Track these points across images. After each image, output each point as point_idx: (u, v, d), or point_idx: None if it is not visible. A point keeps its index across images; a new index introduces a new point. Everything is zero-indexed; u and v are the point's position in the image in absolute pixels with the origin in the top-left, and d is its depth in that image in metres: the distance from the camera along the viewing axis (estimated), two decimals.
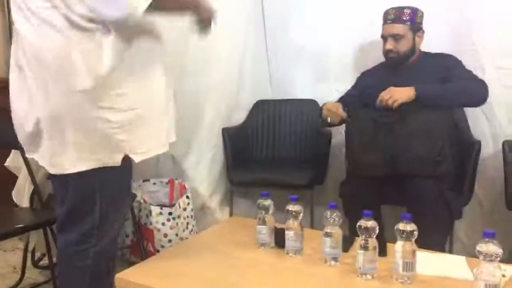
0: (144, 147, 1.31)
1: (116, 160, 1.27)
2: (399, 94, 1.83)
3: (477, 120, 2.21)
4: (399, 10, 2.02)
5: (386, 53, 2.07)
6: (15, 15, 1.26)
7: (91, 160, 1.25)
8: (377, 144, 1.88)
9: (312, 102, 2.64)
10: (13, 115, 1.33)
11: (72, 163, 1.24)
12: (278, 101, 2.76)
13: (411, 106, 1.86)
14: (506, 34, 2.15)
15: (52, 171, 1.28)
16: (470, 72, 2.00)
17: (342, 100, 2.22)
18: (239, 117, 2.76)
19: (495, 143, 2.15)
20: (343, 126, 2.11)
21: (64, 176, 1.27)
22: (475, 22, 2.19)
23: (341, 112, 2.01)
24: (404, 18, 2.01)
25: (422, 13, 2.07)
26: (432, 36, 2.15)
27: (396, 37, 2.02)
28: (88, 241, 1.32)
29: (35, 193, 2.03)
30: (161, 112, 1.36)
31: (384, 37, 2.06)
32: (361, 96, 2.16)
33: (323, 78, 2.63)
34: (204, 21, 1.39)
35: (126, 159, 1.29)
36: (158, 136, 1.36)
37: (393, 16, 2.03)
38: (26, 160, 1.89)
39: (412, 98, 1.83)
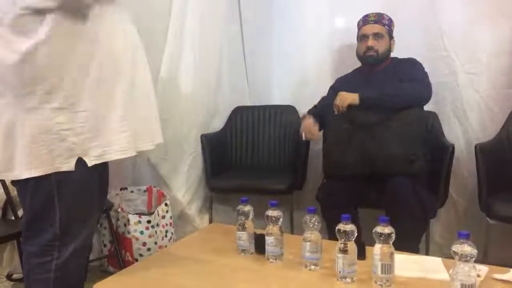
0: (96, 150, 1.24)
1: (70, 164, 1.21)
2: (344, 98, 1.98)
3: (450, 124, 2.27)
4: (379, 14, 2.14)
5: (366, 50, 2.12)
6: None
7: (43, 165, 1.19)
8: (352, 145, 1.95)
9: (291, 108, 2.66)
10: None
11: (23, 168, 1.19)
12: (257, 107, 2.77)
13: (384, 111, 1.93)
14: (476, 41, 2.22)
15: (2, 176, 1.24)
16: (422, 74, 2.06)
17: (315, 109, 2.26)
18: (217, 124, 2.75)
19: (468, 146, 2.21)
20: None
21: (22, 183, 1.21)
22: (447, 29, 2.26)
23: (315, 132, 2.09)
24: (384, 22, 2.13)
25: (394, 24, 2.17)
26: (406, 43, 2.21)
27: (377, 36, 2.10)
28: (50, 253, 1.25)
29: (8, 203, 1.98)
30: (119, 115, 1.28)
31: (365, 36, 2.12)
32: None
33: (302, 83, 2.65)
34: None
35: (83, 165, 1.23)
36: (117, 140, 1.27)
37: (373, 18, 2.14)
38: None
39: (356, 101, 1.96)
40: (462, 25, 2.23)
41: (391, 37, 2.15)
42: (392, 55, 2.19)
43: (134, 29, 1.37)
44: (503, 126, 2.15)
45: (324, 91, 2.33)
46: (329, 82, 2.41)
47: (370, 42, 2.10)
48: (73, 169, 1.21)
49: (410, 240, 1.80)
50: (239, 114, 2.76)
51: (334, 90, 2.21)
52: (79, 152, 1.22)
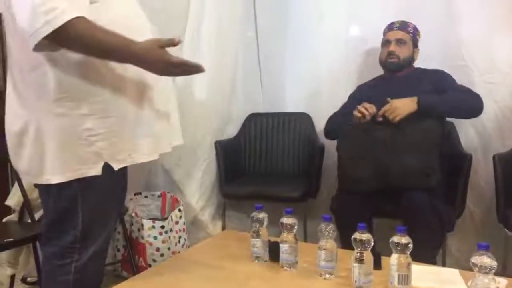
0: (123, 154, 1.26)
1: (97, 169, 1.23)
2: (400, 110, 1.87)
3: (467, 133, 2.25)
4: (405, 22, 2.15)
5: (387, 55, 2.12)
6: (7, 29, 1.25)
7: (71, 170, 1.21)
8: (367, 159, 1.90)
9: (305, 116, 2.65)
10: (5, 125, 1.31)
11: (52, 173, 1.21)
12: (271, 114, 2.77)
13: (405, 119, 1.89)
14: (494, 51, 2.19)
15: (31, 180, 1.27)
16: (462, 85, 2.05)
17: (341, 112, 2.23)
18: (231, 130, 2.76)
19: (486, 157, 2.18)
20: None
21: (47, 186, 1.23)
22: (465, 38, 2.24)
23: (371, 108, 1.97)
24: (409, 29, 2.14)
25: (420, 34, 2.17)
26: (423, 52, 2.19)
27: (400, 42, 2.11)
28: (70, 256, 1.27)
29: (25, 206, 2.00)
30: (143, 119, 1.31)
31: (388, 42, 2.13)
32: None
33: (316, 91, 2.65)
34: (163, 73, 1.23)
35: (108, 169, 1.24)
36: (141, 144, 1.30)
37: (398, 25, 2.15)
38: (16, 172, 1.87)
39: (413, 110, 1.88)
40: (480, 34, 2.21)
41: (415, 45, 2.15)
42: (415, 64, 2.17)
43: (156, 33, 1.38)
44: None
45: (338, 99, 2.32)
46: (344, 90, 2.40)
47: (392, 47, 2.11)
48: (100, 174, 1.23)
49: (427, 253, 1.76)
50: (253, 121, 2.77)
51: (355, 98, 2.20)
52: (106, 157, 1.24)
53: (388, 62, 2.12)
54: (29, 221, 2.03)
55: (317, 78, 2.64)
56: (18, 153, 1.26)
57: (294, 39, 2.69)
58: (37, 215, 2.02)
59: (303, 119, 2.66)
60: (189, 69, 1.22)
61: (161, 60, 1.16)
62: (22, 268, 2.13)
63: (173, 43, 1.17)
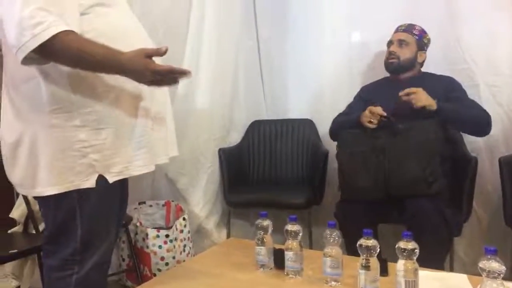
0: (118, 167, 1.25)
1: (91, 181, 1.22)
2: (424, 97, 1.86)
3: (472, 136, 2.22)
4: (412, 24, 2.15)
5: (387, 57, 2.13)
6: (3, 41, 1.23)
7: (64, 182, 1.20)
8: (368, 167, 1.89)
9: (308, 122, 2.65)
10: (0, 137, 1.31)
11: (45, 185, 1.20)
12: (274, 121, 2.77)
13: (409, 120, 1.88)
14: (497, 53, 2.19)
15: (25, 192, 1.27)
16: (473, 100, 2.03)
17: (345, 112, 2.24)
18: (235, 138, 2.76)
19: (491, 160, 2.17)
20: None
21: (45, 198, 1.22)
22: (467, 41, 2.24)
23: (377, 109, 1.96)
24: (414, 32, 2.12)
25: (430, 38, 2.15)
26: (427, 56, 2.18)
27: (402, 43, 2.09)
28: (70, 268, 1.26)
29: (29, 218, 2.00)
30: (139, 131, 1.29)
31: (391, 42, 2.13)
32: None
33: (319, 97, 2.65)
34: (149, 83, 1.20)
35: (104, 181, 1.23)
36: (137, 155, 1.29)
37: (404, 27, 2.14)
38: None
39: (433, 107, 1.87)
40: (482, 37, 2.21)
41: (420, 48, 2.12)
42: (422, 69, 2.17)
43: (151, 44, 1.36)
44: None
45: (341, 104, 2.32)
46: (347, 96, 2.40)
47: (392, 47, 2.11)
48: (94, 186, 1.22)
49: (434, 259, 1.74)
50: (257, 128, 2.77)
51: (361, 98, 2.20)
52: (100, 169, 1.23)
53: (388, 62, 2.12)
54: (34, 232, 2.02)
55: (320, 84, 2.65)
56: (12, 164, 1.25)
57: (296, 46, 2.70)
58: (41, 227, 2.02)
59: (307, 125, 2.65)
60: (176, 76, 1.20)
61: (148, 69, 1.15)
62: (27, 280, 2.13)
63: (159, 52, 1.16)
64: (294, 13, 2.68)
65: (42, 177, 1.20)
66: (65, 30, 1.10)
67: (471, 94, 2.16)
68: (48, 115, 1.19)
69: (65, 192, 1.20)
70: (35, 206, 1.99)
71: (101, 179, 1.23)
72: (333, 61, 2.59)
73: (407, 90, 1.89)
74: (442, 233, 1.81)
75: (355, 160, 1.92)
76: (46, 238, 1.30)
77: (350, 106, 2.27)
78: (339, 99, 2.44)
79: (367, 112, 1.98)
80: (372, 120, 1.95)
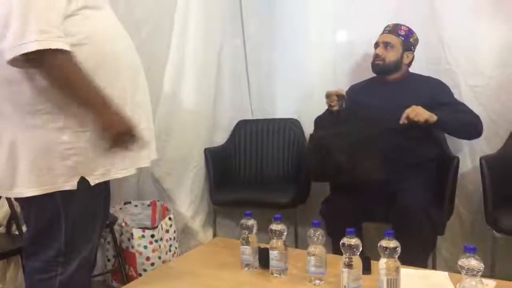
0: (100, 169, 1.25)
1: (72, 183, 1.21)
2: (420, 112, 1.88)
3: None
4: (397, 24, 2.14)
5: (373, 59, 2.14)
6: None
7: (44, 184, 1.20)
8: (333, 149, 1.92)
9: (294, 121, 2.66)
10: None
11: (25, 186, 1.20)
12: (260, 121, 2.78)
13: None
14: (479, 54, 2.22)
15: (2, 193, 1.25)
16: (464, 104, 2.07)
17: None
18: (221, 137, 2.76)
19: (473, 159, 2.20)
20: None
21: (27, 200, 1.22)
22: (448, 42, 2.27)
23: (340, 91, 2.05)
24: (400, 32, 2.12)
25: (418, 38, 2.16)
26: (414, 55, 2.20)
27: (387, 45, 2.10)
28: (54, 269, 1.26)
29: (13, 219, 1.98)
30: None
31: (377, 44, 2.14)
32: (356, 109, 2.20)
33: (305, 96, 2.66)
34: (108, 137, 1.20)
35: (85, 183, 1.24)
36: (119, 158, 1.28)
37: (390, 28, 2.14)
38: None
39: (433, 120, 1.88)
40: (464, 37, 2.24)
41: (407, 49, 2.12)
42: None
43: (133, 47, 1.38)
44: (507, 139, 2.14)
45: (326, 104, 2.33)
46: None
47: (378, 50, 2.12)
48: (75, 188, 1.22)
49: (419, 257, 1.77)
50: (243, 128, 2.77)
51: (349, 97, 2.22)
52: (82, 171, 1.22)
53: (374, 64, 2.14)
54: (17, 233, 2.00)
55: (306, 83, 2.65)
56: None
57: (282, 45, 2.70)
58: (24, 228, 1.99)
59: (293, 125, 2.67)
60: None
61: (122, 118, 1.20)
62: (10, 282, 2.10)
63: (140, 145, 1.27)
64: (281, 11, 2.69)
65: (22, 178, 1.20)
66: (68, 51, 1.13)
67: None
68: (31, 116, 1.18)
69: (48, 194, 1.20)
70: (18, 207, 1.96)
71: (82, 181, 1.23)
72: (319, 60, 2.60)
73: (404, 116, 1.89)
74: (427, 231, 1.84)
75: (325, 141, 1.97)
76: (28, 240, 1.29)
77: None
78: (324, 99, 2.45)
79: (325, 97, 2.05)
80: (331, 104, 2.02)
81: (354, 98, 2.21)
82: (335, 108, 2.05)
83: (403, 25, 2.14)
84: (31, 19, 1.09)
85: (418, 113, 1.87)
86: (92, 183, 1.24)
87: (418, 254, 1.78)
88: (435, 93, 2.06)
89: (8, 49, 1.10)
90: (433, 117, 1.88)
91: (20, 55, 1.08)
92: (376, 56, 2.12)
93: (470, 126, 2.00)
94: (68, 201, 1.23)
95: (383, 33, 2.16)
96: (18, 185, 1.20)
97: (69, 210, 1.24)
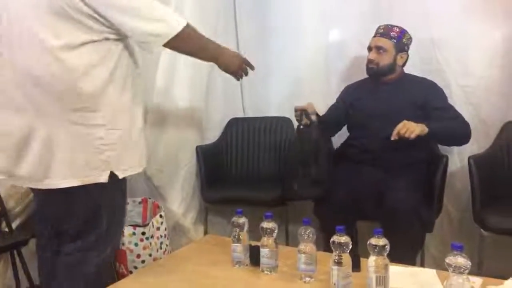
0: (125, 165, 1.40)
1: (105, 176, 1.35)
2: (414, 127, 1.85)
3: None
4: (389, 26, 2.13)
5: (367, 63, 2.14)
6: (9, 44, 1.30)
7: (80, 176, 1.31)
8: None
9: (286, 120, 2.67)
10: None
11: (59, 178, 1.31)
12: (252, 119, 2.78)
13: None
14: (469, 54, 2.25)
15: (31, 185, 1.35)
16: (455, 110, 2.07)
17: (327, 113, 2.28)
18: (212, 135, 2.76)
19: (462, 159, 2.23)
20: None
21: (66, 192, 1.32)
22: (439, 42, 2.29)
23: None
24: (392, 35, 2.11)
25: (411, 37, 2.15)
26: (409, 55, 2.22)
27: (380, 50, 2.10)
28: (92, 253, 1.42)
29: (2, 216, 1.96)
30: (138, 134, 1.46)
31: (369, 48, 2.14)
32: (351, 111, 2.24)
33: (297, 95, 2.66)
34: (230, 71, 1.60)
35: (115, 177, 1.37)
36: (136, 156, 1.45)
37: (382, 30, 2.13)
38: None
39: (425, 132, 1.87)
40: (455, 38, 2.26)
41: (400, 50, 2.12)
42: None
43: None
44: (496, 138, 2.18)
45: (319, 103, 2.33)
46: (324, 95, 2.43)
47: (371, 55, 2.12)
48: (107, 181, 1.35)
49: (408, 255, 1.80)
50: (235, 126, 2.77)
51: (342, 99, 2.25)
52: (112, 166, 1.36)
53: (368, 68, 2.15)
54: (7, 230, 1.99)
55: (298, 82, 2.66)
56: (19, 157, 1.31)
57: (274, 44, 2.70)
58: (14, 224, 1.98)
59: (284, 123, 2.67)
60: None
61: (239, 57, 1.65)
62: (0, 279, 2.09)
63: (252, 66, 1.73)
64: (274, 11, 2.69)
65: (58, 170, 1.31)
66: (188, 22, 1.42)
67: None
68: (73, 113, 1.30)
69: (83, 186, 1.32)
70: (8, 204, 1.96)
71: (112, 175, 1.36)
72: (312, 59, 2.60)
73: (395, 133, 1.86)
74: (416, 229, 1.86)
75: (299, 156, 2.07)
76: (69, 229, 1.41)
77: (329, 108, 2.32)
78: (317, 98, 2.46)
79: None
80: (297, 119, 2.05)
81: (347, 100, 2.23)
82: (303, 122, 2.02)
83: (395, 26, 2.13)
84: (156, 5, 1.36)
85: (409, 129, 1.84)
86: (120, 177, 1.38)
87: (406, 252, 1.80)
88: (429, 97, 2.08)
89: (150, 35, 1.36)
90: (424, 130, 1.86)
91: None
92: (370, 61, 2.12)
93: (460, 136, 2.02)
94: (101, 192, 1.37)
95: (375, 35, 2.15)
96: (52, 177, 1.31)
97: (106, 201, 1.40)
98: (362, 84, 2.29)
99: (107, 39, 1.34)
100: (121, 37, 1.38)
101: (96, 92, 1.31)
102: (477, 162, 1.99)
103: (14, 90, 1.31)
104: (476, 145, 2.21)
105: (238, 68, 1.63)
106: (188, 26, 1.40)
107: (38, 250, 1.56)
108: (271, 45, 2.71)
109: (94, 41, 1.31)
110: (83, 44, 1.30)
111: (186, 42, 1.43)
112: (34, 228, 1.61)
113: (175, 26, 1.37)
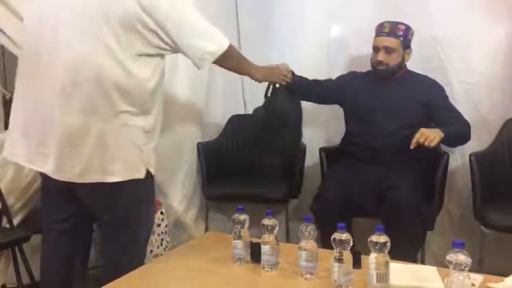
0: (154, 164, 1.54)
1: (143, 173, 1.50)
2: (433, 134, 1.84)
3: None
4: (394, 24, 2.08)
5: (376, 64, 2.11)
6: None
7: (126, 172, 1.45)
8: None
9: None
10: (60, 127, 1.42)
11: (109, 174, 1.43)
12: (253, 116, 2.77)
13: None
14: (471, 51, 2.24)
15: (81, 180, 1.43)
16: (457, 110, 2.08)
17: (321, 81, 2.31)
18: (213, 132, 2.76)
19: (463, 156, 2.23)
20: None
21: (108, 187, 1.44)
22: (441, 39, 2.29)
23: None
24: (399, 33, 2.07)
25: (413, 32, 2.13)
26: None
27: (388, 50, 2.06)
28: (132, 242, 1.58)
29: (3, 212, 1.97)
30: (158, 133, 1.58)
31: (377, 48, 2.09)
32: (350, 101, 2.24)
33: None
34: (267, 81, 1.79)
35: (149, 173, 1.53)
36: (156, 156, 1.59)
37: (388, 29, 2.08)
38: None
39: (443, 137, 1.86)
40: (457, 35, 2.26)
41: (406, 47, 2.10)
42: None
43: None
44: (497, 136, 2.18)
45: None
46: None
47: (380, 56, 2.07)
48: (144, 177, 1.50)
49: (408, 252, 1.80)
50: (235, 123, 2.77)
51: (344, 80, 2.28)
52: (148, 163, 1.51)
53: (378, 69, 2.11)
54: (8, 226, 1.99)
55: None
56: (71, 153, 1.41)
57: (276, 41, 2.70)
58: (15, 221, 1.99)
59: None
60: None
61: (269, 67, 1.86)
62: (1, 275, 2.09)
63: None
64: (276, 7, 2.68)
65: (107, 167, 1.43)
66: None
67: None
68: (122, 114, 1.43)
69: (128, 181, 1.46)
70: (9, 200, 1.96)
71: (147, 172, 1.51)
72: (314, 55, 2.60)
73: (414, 141, 1.84)
74: (417, 227, 1.86)
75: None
76: (110, 220, 1.53)
77: (328, 80, 2.34)
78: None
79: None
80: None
81: (344, 87, 2.23)
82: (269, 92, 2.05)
83: (400, 23, 2.09)
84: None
85: (429, 138, 1.81)
86: (153, 173, 1.54)
87: (408, 249, 1.80)
88: (432, 95, 2.08)
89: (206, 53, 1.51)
90: (441, 135, 1.85)
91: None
92: (379, 63, 2.09)
93: (466, 137, 2.03)
94: (139, 187, 1.51)
95: (380, 35, 2.10)
96: (105, 173, 1.43)
97: (141, 194, 1.54)
98: (366, 76, 2.26)
99: (159, 54, 1.50)
100: (173, 53, 1.52)
101: (145, 99, 1.47)
102: (478, 159, 2.00)
103: (72, 90, 1.40)
104: (477, 142, 2.21)
105: (270, 77, 1.88)
106: (231, 44, 1.56)
107: (49, 236, 1.63)
108: (272, 42, 2.71)
109: (148, 55, 1.46)
110: (140, 55, 1.44)
111: (228, 60, 1.59)
112: (44, 217, 1.65)
113: (224, 44, 1.53)
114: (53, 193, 1.57)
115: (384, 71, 2.10)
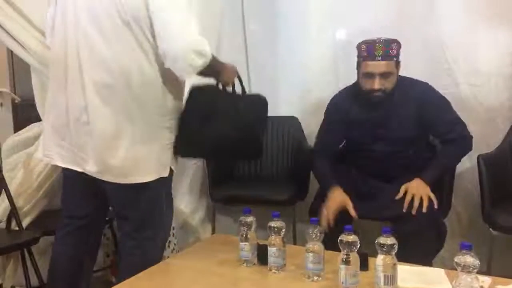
0: (174, 162, 1.59)
1: (167, 171, 1.55)
2: (422, 190, 1.82)
3: None
4: (387, 45, 1.88)
5: (371, 91, 1.91)
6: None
7: (156, 171, 1.51)
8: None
9: (293, 119, 2.67)
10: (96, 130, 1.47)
11: (142, 174, 1.49)
12: None
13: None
14: (478, 53, 2.23)
15: (118, 180, 1.47)
16: (449, 120, 1.96)
17: (320, 149, 2.17)
18: None
19: (471, 157, 2.20)
20: None
21: (139, 186, 1.49)
22: (448, 41, 2.27)
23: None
24: (392, 54, 1.89)
25: (401, 45, 1.98)
26: (407, 55, 2.19)
27: (386, 75, 1.88)
28: (153, 238, 1.61)
29: (13, 215, 1.98)
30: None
31: (371, 75, 1.88)
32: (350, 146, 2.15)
33: (304, 94, 2.66)
34: (224, 83, 1.68)
35: (171, 172, 1.59)
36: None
37: (381, 52, 1.87)
38: (4, 181, 1.90)
39: (430, 186, 1.85)
40: (463, 36, 2.25)
41: (398, 63, 1.93)
42: None
43: None
44: (505, 137, 2.16)
45: (326, 102, 2.33)
46: (331, 94, 2.42)
47: (377, 84, 1.87)
48: (167, 175, 1.56)
49: (421, 261, 1.75)
50: None
51: (337, 113, 2.11)
52: (171, 163, 1.57)
53: (373, 96, 1.91)
54: (17, 228, 2.01)
55: (305, 81, 2.66)
56: (109, 152, 1.45)
57: (282, 44, 2.70)
58: (24, 223, 2.00)
59: (292, 122, 2.67)
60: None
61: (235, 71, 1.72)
62: (10, 277, 2.11)
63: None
64: (282, 10, 2.69)
65: (141, 167, 1.49)
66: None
67: (452, 93, 2.18)
68: (152, 116, 1.49)
69: (157, 179, 1.52)
70: (18, 202, 1.98)
71: (170, 170, 1.57)
72: (319, 58, 2.60)
73: (406, 206, 1.81)
74: (432, 236, 1.83)
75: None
76: (134, 217, 1.57)
77: (327, 130, 2.16)
78: (324, 97, 2.46)
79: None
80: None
81: (342, 116, 2.08)
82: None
83: (391, 42, 1.90)
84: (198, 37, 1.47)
85: (419, 195, 1.80)
86: (175, 171, 1.60)
87: (420, 259, 1.75)
88: (423, 105, 1.94)
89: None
90: (427, 187, 1.83)
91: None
92: (374, 90, 1.89)
93: (459, 159, 2.00)
94: (164, 184, 1.57)
95: (374, 59, 1.87)
96: (139, 173, 1.49)
97: (164, 191, 1.60)
98: (352, 100, 2.06)
99: None
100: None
101: (167, 101, 1.52)
102: (486, 161, 1.98)
103: (104, 92, 1.44)
104: (485, 144, 2.19)
105: (231, 80, 1.72)
106: (212, 56, 1.50)
107: (64, 232, 1.66)
108: (279, 45, 2.71)
109: None
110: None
111: (208, 69, 1.51)
112: (64, 212, 1.70)
113: (208, 55, 1.47)
114: (78, 188, 1.63)
115: (381, 98, 1.91)
